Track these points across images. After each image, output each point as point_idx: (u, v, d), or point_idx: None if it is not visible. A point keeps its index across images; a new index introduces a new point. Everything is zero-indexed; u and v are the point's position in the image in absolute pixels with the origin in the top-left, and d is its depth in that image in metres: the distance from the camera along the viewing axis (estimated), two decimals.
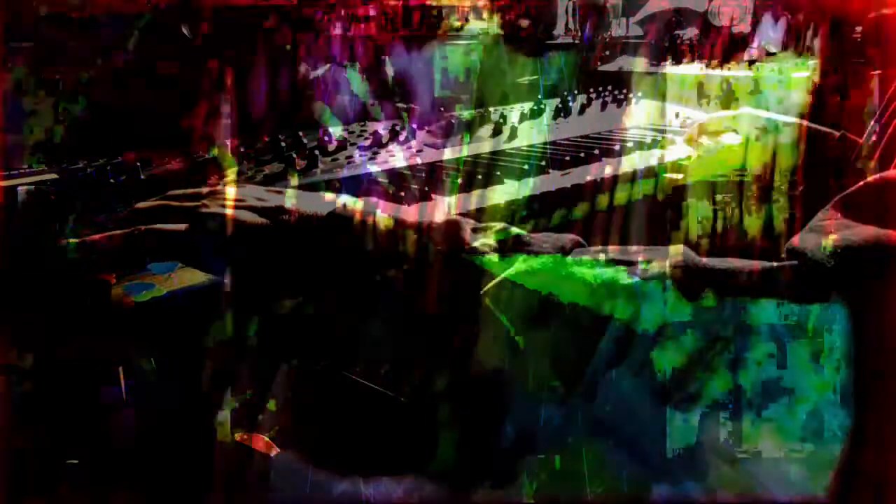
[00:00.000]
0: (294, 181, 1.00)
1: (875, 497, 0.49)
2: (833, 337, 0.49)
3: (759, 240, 1.13)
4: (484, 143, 1.25)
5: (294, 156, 1.06)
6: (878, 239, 0.49)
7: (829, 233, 0.51)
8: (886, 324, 0.48)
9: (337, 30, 1.45)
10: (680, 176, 1.21)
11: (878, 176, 0.54)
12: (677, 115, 1.62)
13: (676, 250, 0.55)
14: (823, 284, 0.49)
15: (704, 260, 0.54)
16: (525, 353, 0.53)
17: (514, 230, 0.59)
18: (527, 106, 1.58)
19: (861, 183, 0.54)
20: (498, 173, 1.04)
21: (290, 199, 0.68)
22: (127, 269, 0.70)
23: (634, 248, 0.56)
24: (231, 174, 1.01)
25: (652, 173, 1.18)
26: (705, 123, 1.26)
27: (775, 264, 0.52)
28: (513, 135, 1.30)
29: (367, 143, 1.20)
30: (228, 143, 1.12)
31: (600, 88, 1.78)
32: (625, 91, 1.81)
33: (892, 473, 0.49)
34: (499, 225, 0.59)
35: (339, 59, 1.45)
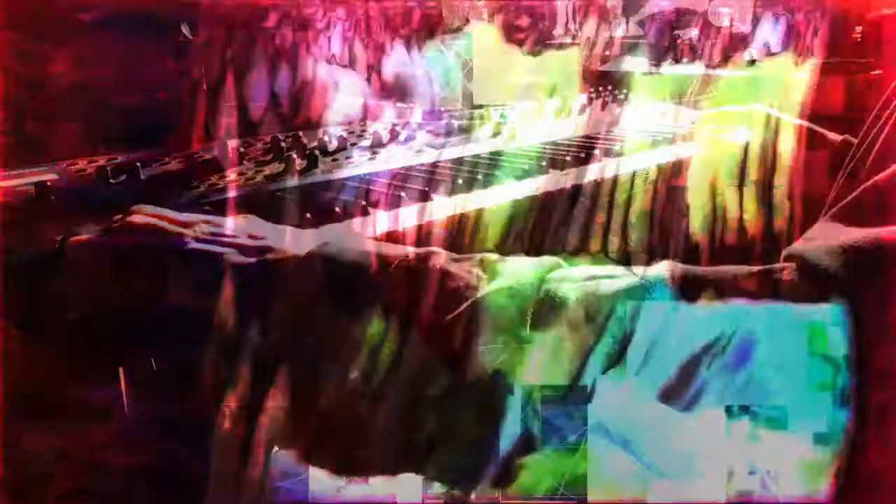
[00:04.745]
0: (294, 181, 1.00)
1: (875, 498, 0.49)
2: (833, 337, 0.49)
3: (759, 239, 1.13)
4: (484, 143, 1.25)
5: (294, 156, 1.06)
6: (877, 239, 0.49)
7: (827, 237, 0.51)
8: (886, 323, 0.48)
9: (338, 29, 1.45)
10: (680, 176, 1.21)
11: (871, 181, 0.54)
12: (677, 116, 1.62)
13: (664, 266, 0.55)
14: (823, 287, 0.49)
15: (697, 269, 0.54)
16: (522, 356, 0.53)
17: (492, 258, 0.59)
18: (527, 106, 1.58)
19: (857, 191, 0.54)
20: (498, 173, 1.04)
21: (284, 236, 0.66)
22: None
23: (615, 267, 0.56)
24: (231, 174, 1.01)
25: (651, 173, 1.18)
26: (711, 116, 1.26)
27: (775, 266, 0.52)
28: (513, 135, 1.30)
29: (368, 143, 1.20)
30: (229, 143, 1.12)
31: (600, 88, 1.78)
32: (625, 91, 1.81)
33: (893, 475, 0.49)
34: (477, 256, 0.59)
35: (339, 59, 1.45)
